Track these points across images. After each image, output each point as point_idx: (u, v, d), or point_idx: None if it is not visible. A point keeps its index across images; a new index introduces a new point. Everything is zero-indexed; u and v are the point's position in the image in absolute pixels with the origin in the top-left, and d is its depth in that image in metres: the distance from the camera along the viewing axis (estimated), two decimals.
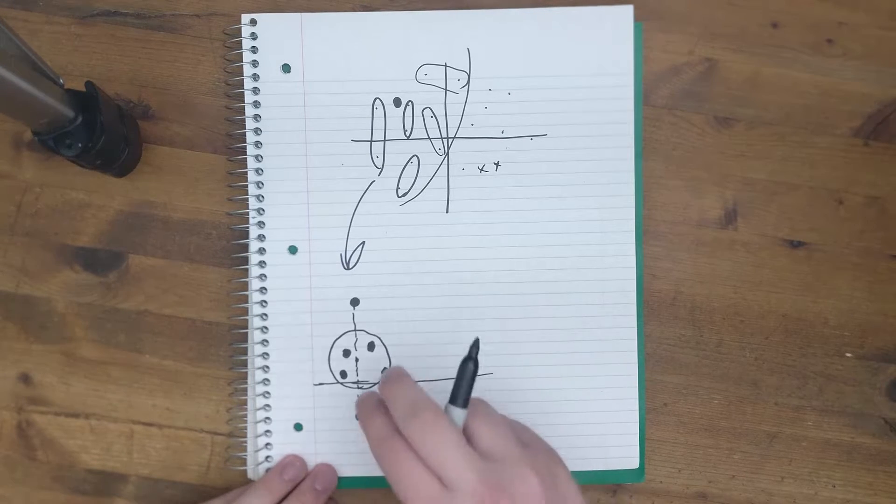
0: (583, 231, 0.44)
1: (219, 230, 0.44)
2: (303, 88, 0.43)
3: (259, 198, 0.43)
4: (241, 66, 0.43)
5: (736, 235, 0.45)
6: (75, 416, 0.44)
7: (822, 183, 0.45)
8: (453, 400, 0.35)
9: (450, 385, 0.44)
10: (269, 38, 0.43)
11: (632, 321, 0.44)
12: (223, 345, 0.44)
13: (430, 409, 0.34)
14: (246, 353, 0.44)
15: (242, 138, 0.43)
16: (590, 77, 0.44)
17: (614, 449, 0.44)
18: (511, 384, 0.44)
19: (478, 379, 0.44)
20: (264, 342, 0.43)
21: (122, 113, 0.42)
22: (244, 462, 0.44)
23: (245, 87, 0.43)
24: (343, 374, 0.44)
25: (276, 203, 0.43)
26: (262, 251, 0.43)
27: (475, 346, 0.36)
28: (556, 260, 0.44)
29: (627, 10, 0.44)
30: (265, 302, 0.43)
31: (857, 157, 0.45)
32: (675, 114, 0.45)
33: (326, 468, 0.43)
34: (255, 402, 0.44)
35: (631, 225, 0.44)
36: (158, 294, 0.44)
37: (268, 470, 0.43)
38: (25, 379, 0.44)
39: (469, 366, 0.35)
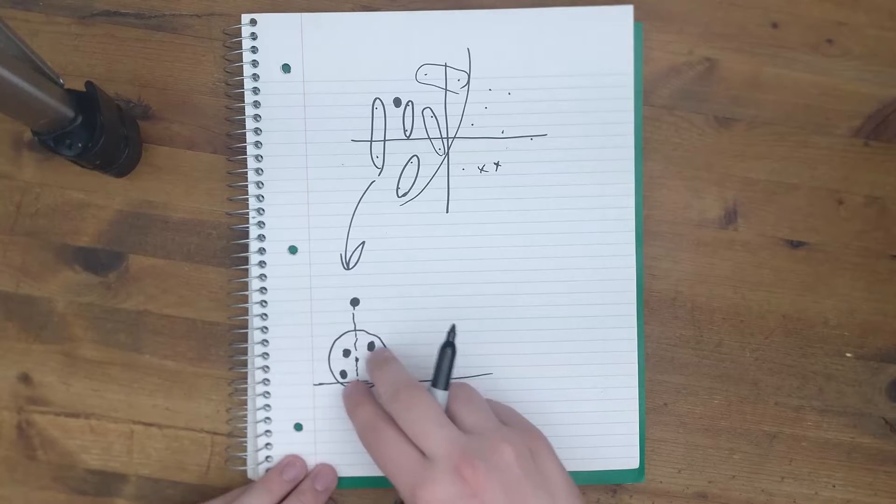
0: (583, 231, 0.44)
1: (219, 230, 0.44)
2: (303, 88, 0.44)
3: (259, 198, 0.43)
4: (241, 66, 0.43)
5: (736, 235, 0.45)
6: (75, 416, 0.44)
7: (822, 183, 0.45)
8: (434, 383, 0.38)
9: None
10: (269, 38, 0.43)
11: (632, 321, 0.44)
12: (223, 345, 0.44)
13: (412, 387, 0.37)
14: (246, 353, 0.44)
15: (242, 138, 0.43)
16: (590, 77, 0.44)
17: (614, 449, 0.44)
18: (511, 384, 0.44)
19: (478, 379, 0.44)
20: (264, 342, 0.43)
21: (122, 113, 0.42)
22: (244, 462, 0.44)
23: (245, 87, 0.43)
24: (343, 374, 0.44)
25: (276, 203, 0.43)
26: (262, 251, 0.43)
27: (452, 331, 0.38)
28: (556, 260, 0.44)
29: (627, 10, 0.44)
30: (265, 302, 0.43)
31: (857, 157, 0.45)
32: (675, 114, 0.45)
33: (326, 468, 0.43)
34: (255, 402, 0.44)
35: (631, 225, 0.44)
36: (158, 294, 0.44)
37: (268, 470, 0.43)
38: (25, 379, 0.44)
39: (447, 351, 0.38)
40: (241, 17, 0.43)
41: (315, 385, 0.44)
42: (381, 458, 0.36)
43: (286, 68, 0.43)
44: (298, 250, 0.44)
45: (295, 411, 0.44)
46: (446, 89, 0.44)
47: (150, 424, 0.44)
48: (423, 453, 0.35)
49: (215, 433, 0.44)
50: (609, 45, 0.44)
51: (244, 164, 0.44)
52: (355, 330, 0.44)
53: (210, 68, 0.44)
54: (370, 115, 0.44)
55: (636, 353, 0.44)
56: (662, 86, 0.45)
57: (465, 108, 0.44)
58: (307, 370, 0.44)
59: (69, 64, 0.44)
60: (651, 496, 0.45)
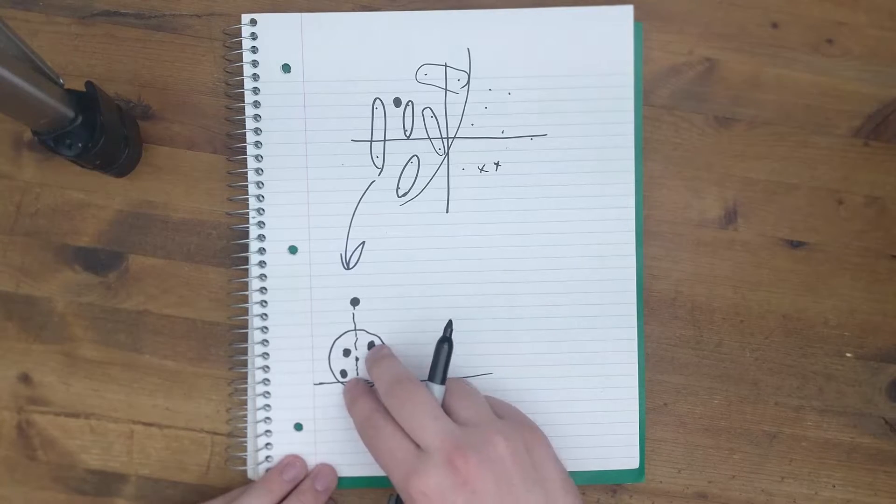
0: (583, 231, 0.44)
1: (219, 230, 0.44)
2: (303, 88, 0.44)
3: (259, 198, 0.43)
4: (241, 66, 0.43)
5: (736, 235, 0.45)
6: (75, 416, 0.44)
7: (822, 183, 0.45)
8: (431, 378, 0.38)
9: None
10: (269, 38, 0.43)
11: (632, 321, 0.44)
12: (223, 345, 0.44)
13: (407, 381, 0.37)
14: (246, 353, 0.44)
15: (242, 138, 0.43)
16: (590, 77, 0.44)
17: (614, 449, 0.44)
18: (511, 384, 0.44)
19: (478, 379, 0.44)
20: (264, 342, 0.43)
21: (122, 113, 0.42)
22: (244, 462, 0.44)
23: (245, 87, 0.43)
24: (343, 373, 0.44)
25: (276, 203, 0.43)
26: (262, 251, 0.43)
27: (449, 326, 0.39)
28: (556, 260, 0.44)
29: (627, 10, 0.44)
30: (265, 302, 0.43)
31: (857, 157, 0.45)
32: (675, 114, 0.45)
33: (326, 468, 0.43)
34: (255, 402, 0.44)
35: (631, 225, 0.44)
36: (158, 294, 0.44)
37: (268, 470, 0.43)
38: (25, 379, 0.44)
39: (444, 346, 0.39)
40: (241, 17, 0.43)
41: (315, 385, 0.44)
42: (378, 451, 0.36)
43: (286, 68, 0.43)
44: (298, 250, 0.44)
45: (295, 411, 0.44)
46: (446, 89, 0.44)
47: (150, 424, 0.44)
48: (418, 446, 0.35)
49: (215, 433, 0.44)
50: (609, 45, 0.44)
51: (244, 164, 0.44)
52: (355, 330, 0.44)
53: (210, 68, 0.44)
54: (370, 115, 0.44)
55: (636, 353, 0.44)
56: (662, 86, 0.45)
57: (465, 108, 0.44)
58: (307, 370, 0.44)
59: (69, 64, 0.44)
60: (651, 496, 0.45)
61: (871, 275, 0.45)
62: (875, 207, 0.45)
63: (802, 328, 0.45)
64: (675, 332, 0.45)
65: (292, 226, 0.44)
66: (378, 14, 0.44)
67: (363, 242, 0.44)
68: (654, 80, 0.45)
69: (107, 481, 0.44)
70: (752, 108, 0.45)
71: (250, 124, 0.43)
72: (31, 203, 0.44)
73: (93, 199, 0.44)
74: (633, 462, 0.44)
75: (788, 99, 0.45)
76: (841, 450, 0.45)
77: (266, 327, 0.43)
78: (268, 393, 0.43)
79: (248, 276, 0.44)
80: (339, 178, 0.44)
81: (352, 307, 0.44)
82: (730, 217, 0.45)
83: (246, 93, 0.43)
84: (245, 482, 0.44)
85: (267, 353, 0.43)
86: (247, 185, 0.43)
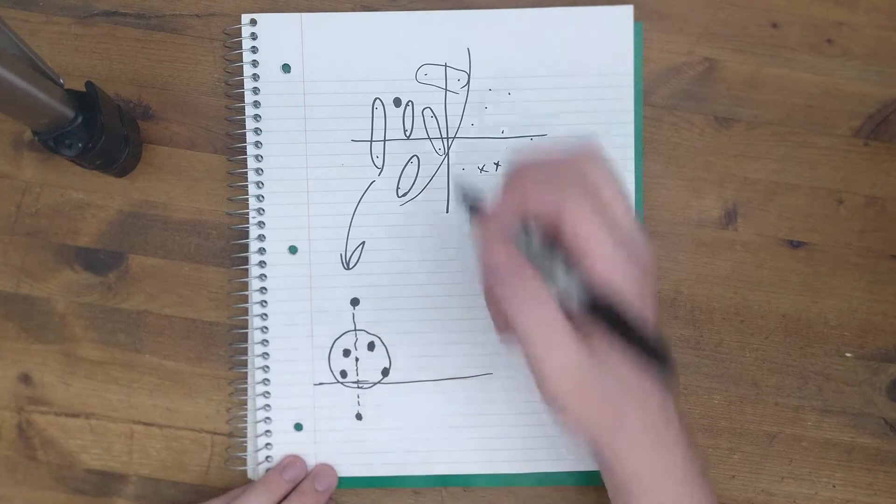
0: None
1: (219, 230, 0.44)
2: (303, 88, 0.44)
3: (259, 198, 0.43)
4: (241, 66, 0.43)
5: (736, 235, 0.45)
6: (75, 416, 0.44)
7: (823, 183, 0.45)
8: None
9: (450, 385, 0.44)
10: (269, 38, 0.43)
11: None
12: (223, 345, 0.44)
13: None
14: (246, 353, 0.44)
15: (242, 138, 0.43)
16: (590, 77, 0.44)
17: None
18: (511, 384, 0.44)
19: (477, 379, 0.44)
20: (264, 342, 0.43)
21: (122, 113, 0.42)
22: (244, 462, 0.44)
23: (245, 87, 0.43)
24: (343, 373, 0.44)
25: (276, 203, 0.43)
26: (262, 251, 0.43)
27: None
28: None
29: (627, 10, 0.44)
30: (265, 302, 0.43)
31: (857, 157, 0.45)
32: (675, 114, 0.45)
33: (326, 468, 0.43)
34: (255, 402, 0.44)
35: None
36: (158, 294, 0.44)
37: (268, 470, 0.43)
38: (25, 379, 0.44)
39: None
40: (241, 17, 0.43)
41: (315, 385, 0.44)
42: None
43: (286, 68, 0.43)
44: (298, 250, 0.44)
45: (295, 411, 0.44)
46: (446, 89, 0.44)
47: (150, 424, 0.44)
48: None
49: (215, 433, 0.44)
50: (609, 45, 0.44)
51: (244, 164, 0.44)
52: (355, 330, 0.44)
53: (210, 68, 0.44)
54: (370, 115, 0.44)
55: None
56: (662, 86, 0.45)
57: (465, 108, 0.44)
58: (307, 370, 0.44)
59: (69, 64, 0.44)
60: None
61: (872, 275, 0.45)
62: (875, 207, 0.45)
63: (802, 328, 0.45)
64: (675, 332, 0.45)
65: (292, 226, 0.44)
66: (378, 14, 0.44)
67: (363, 242, 0.44)
68: (654, 80, 0.45)
69: (107, 481, 0.44)
70: (752, 108, 0.45)
71: (250, 124, 0.43)
72: (31, 203, 0.44)
73: (93, 199, 0.44)
74: None
75: (788, 99, 0.45)
76: (841, 450, 0.45)
77: (266, 327, 0.43)
78: (268, 393, 0.43)
79: (248, 276, 0.44)
80: (339, 178, 0.44)
81: (352, 307, 0.44)
82: (730, 217, 0.45)
83: (246, 93, 0.43)
84: (245, 482, 0.44)
85: (267, 353, 0.43)
86: (247, 185, 0.44)
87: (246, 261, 0.44)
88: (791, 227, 0.45)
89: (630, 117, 0.44)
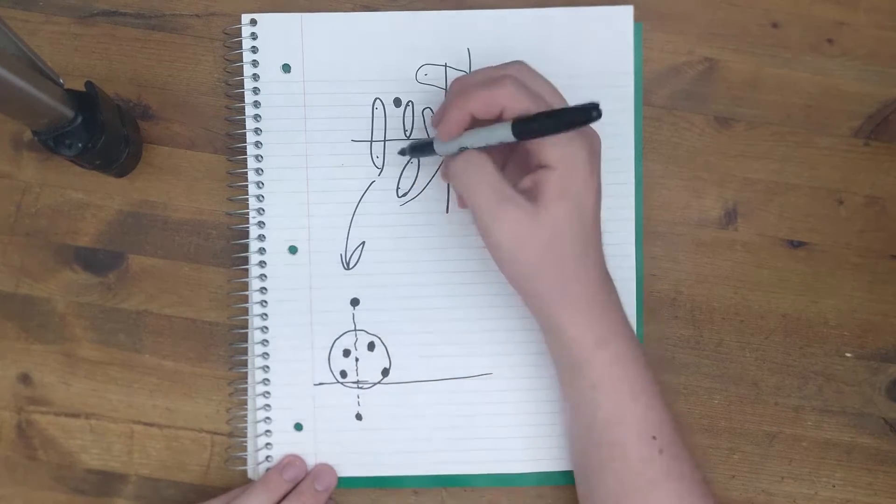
0: None
1: (219, 230, 0.44)
2: (303, 88, 0.43)
3: (259, 198, 0.43)
4: (241, 66, 0.43)
5: (736, 235, 0.45)
6: (75, 416, 0.44)
7: (823, 183, 0.45)
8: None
9: (450, 385, 0.44)
10: (269, 38, 0.43)
11: (632, 321, 0.44)
12: (223, 345, 0.44)
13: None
14: (246, 353, 0.44)
15: (242, 138, 0.43)
16: (590, 77, 0.44)
17: None
18: (511, 384, 0.44)
19: (477, 379, 0.44)
20: (264, 342, 0.43)
21: (121, 113, 0.42)
22: (244, 462, 0.44)
23: (245, 87, 0.43)
24: (343, 373, 0.44)
25: (276, 203, 0.43)
26: (262, 251, 0.43)
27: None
28: None
29: (627, 11, 0.44)
30: (265, 302, 0.43)
31: (857, 157, 0.45)
32: (675, 114, 0.45)
33: (326, 468, 0.43)
34: (255, 402, 0.44)
35: (631, 225, 0.44)
36: (158, 294, 0.44)
37: (268, 470, 0.43)
38: (25, 379, 0.44)
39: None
40: (241, 16, 0.43)
41: (315, 385, 0.44)
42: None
43: (286, 68, 0.43)
44: (298, 250, 0.44)
45: (295, 411, 0.44)
46: (446, 89, 0.44)
47: (150, 424, 0.44)
48: None
49: (215, 433, 0.44)
50: (609, 45, 0.44)
51: (244, 164, 0.44)
52: (355, 330, 0.44)
53: (210, 68, 0.44)
54: (370, 115, 0.44)
55: None
56: (662, 86, 0.45)
57: None
58: (307, 370, 0.44)
59: (69, 64, 0.44)
60: None
61: (871, 275, 0.45)
62: (875, 207, 0.45)
63: (802, 328, 0.45)
64: (675, 332, 0.45)
65: (292, 226, 0.44)
66: (378, 14, 0.44)
67: (363, 242, 0.44)
68: (655, 81, 0.45)
69: (107, 481, 0.44)
70: (753, 108, 0.45)
71: (250, 124, 0.43)
72: (31, 203, 0.44)
73: (93, 199, 0.44)
74: None
75: (788, 99, 0.45)
76: (841, 450, 0.45)
77: (266, 327, 0.43)
78: (268, 393, 0.43)
79: (248, 276, 0.44)
80: (339, 178, 0.44)
81: (352, 307, 0.44)
82: (730, 217, 0.45)
83: (246, 93, 0.43)
84: (245, 482, 0.44)
85: (267, 353, 0.43)
86: (247, 185, 0.43)
87: (246, 261, 0.44)
88: (791, 227, 0.45)
89: (630, 117, 0.44)
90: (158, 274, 0.44)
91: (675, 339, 0.45)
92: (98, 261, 0.44)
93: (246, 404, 0.44)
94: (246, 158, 0.43)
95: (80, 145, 0.38)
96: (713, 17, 0.45)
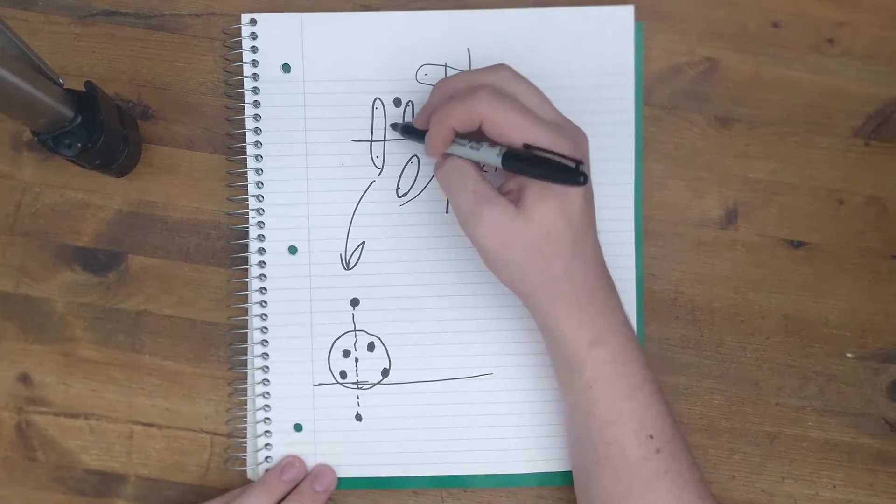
0: None
1: (219, 230, 0.44)
2: (303, 88, 0.43)
3: (259, 198, 0.43)
4: (241, 65, 0.43)
5: (736, 235, 0.45)
6: (75, 416, 0.44)
7: (823, 183, 0.45)
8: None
9: (450, 385, 0.44)
10: (269, 37, 0.43)
11: (632, 321, 0.44)
12: (223, 345, 0.44)
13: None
14: (246, 354, 0.44)
15: (242, 138, 0.43)
16: (590, 77, 0.44)
17: None
18: (511, 384, 0.44)
19: (477, 379, 0.44)
20: (264, 342, 0.43)
21: (121, 113, 0.42)
22: (244, 462, 0.44)
23: (245, 87, 0.43)
24: (343, 374, 0.44)
25: (276, 203, 0.43)
26: (262, 251, 0.43)
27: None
28: None
29: (628, 10, 0.44)
30: (265, 302, 0.43)
31: (857, 157, 0.45)
32: (675, 114, 0.45)
33: (326, 469, 0.43)
34: (255, 402, 0.44)
35: (631, 225, 0.44)
36: (158, 294, 0.44)
37: (267, 470, 0.43)
38: (25, 379, 0.44)
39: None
40: (240, 16, 0.43)
41: (315, 385, 0.44)
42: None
43: (286, 68, 0.43)
44: (298, 250, 0.44)
45: (295, 411, 0.44)
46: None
47: (150, 425, 0.44)
48: None
49: (215, 433, 0.44)
50: (609, 44, 0.44)
51: (244, 164, 0.44)
52: (355, 330, 0.44)
53: (210, 68, 0.44)
54: (370, 115, 0.44)
55: None
56: (663, 86, 0.45)
57: None
58: (307, 370, 0.44)
59: (69, 64, 0.44)
60: None
61: (872, 275, 0.45)
62: (876, 207, 0.45)
63: (803, 328, 0.45)
64: (676, 332, 0.45)
65: (292, 226, 0.43)
66: (378, 14, 0.44)
67: (363, 242, 0.44)
68: (655, 80, 0.45)
69: (106, 482, 0.44)
70: (753, 108, 0.45)
71: (250, 124, 0.43)
72: (30, 203, 0.44)
73: (92, 199, 0.44)
74: None
75: (789, 99, 0.45)
76: (841, 450, 0.45)
77: (266, 327, 0.43)
78: (267, 393, 0.43)
79: (247, 276, 0.44)
80: (339, 178, 0.44)
81: (352, 307, 0.44)
82: (730, 217, 0.45)
83: (246, 93, 0.43)
84: (245, 482, 0.44)
85: (267, 354, 0.43)
86: (247, 185, 0.43)
87: (246, 261, 0.44)
88: (791, 227, 0.45)
89: (630, 117, 0.44)
90: (158, 274, 0.44)
91: (676, 339, 0.45)
92: (98, 261, 0.44)
93: (245, 405, 0.44)
94: (245, 158, 0.43)
95: (79, 145, 0.38)
96: (714, 17, 0.45)
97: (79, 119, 0.38)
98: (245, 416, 0.44)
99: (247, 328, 0.44)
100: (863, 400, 0.45)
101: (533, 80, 0.43)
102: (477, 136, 0.37)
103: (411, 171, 0.44)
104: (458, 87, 0.37)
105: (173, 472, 0.44)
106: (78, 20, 0.44)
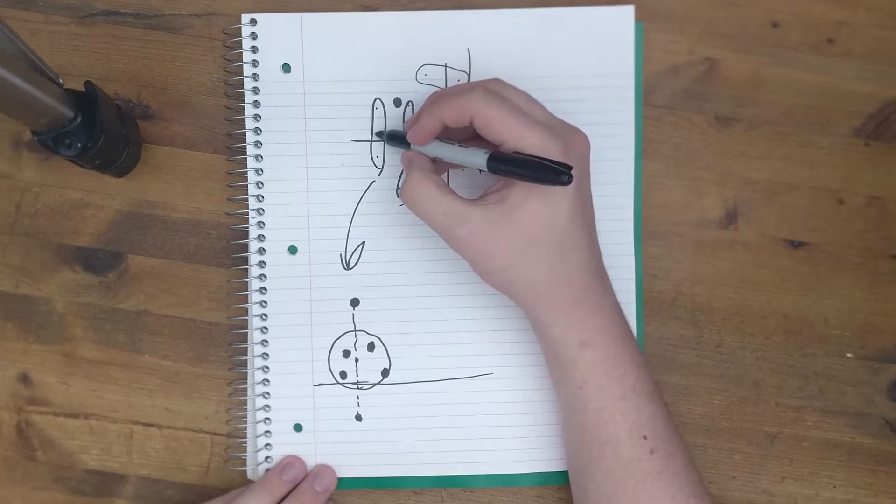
0: None
1: (219, 230, 0.44)
2: (303, 88, 0.43)
3: (259, 198, 0.43)
4: (241, 65, 0.43)
5: (736, 235, 0.45)
6: (75, 416, 0.44)
7: (823, 183, 0.45)
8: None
9: (450, 385, 0.44)
10: (269, 37, 0.43)
11: (632, 321, 0.44)
12: (223, 345, 0.44)
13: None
14: (246, 354, 0.44)
15: (242, 138, 0.43)
16: (590, 77, 0.44)
17: None
18: (511, 384, 0.44)
19: (477, 379, 0.44)
20: (264, 342, 0.43)
21: (121, 113, 0.42)
22: (244, 462, 0.44)
23: (245, 87, 0.43)
24: (343, 374, 0.44)
25: (276, 203, 0.43)
26: (261, 251, 0.43)
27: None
28: None
29: (628, 10, 0.44)
30: (265, 302, 0.43)
31: (857, 157, 0.45)
32: (675, 114, 0.45)
33: (326, 469, 0.43)
34: (254, 402, 0.44)
35: (631, 225, 0.44)
36: (158, 294, 0.44)
37: (267, 470, 0.43)
38: (25, 379, 0.44)
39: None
40: (240, 16, 0.43)
41: (315, 385, 0.44)
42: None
43: (286, 68, 0.43)
44: (298, 250, 0.44)
45: (295, 412, 0.44)
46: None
47: (150, 425, 0.44)
48: None
49: (215, 433, 0.44)
50: (609, 45, 0.44)
51: (244, 164, 0.44)
52: (355, 330, 0.44)
53: (210, 68, 0.44)
54: (370, 115, 0.44)
55: None
56: (663, 86, 0.45)
57: None
58: (307, 370, 0.44)
59: (69, 64, 0.44)
60: None
61: (872, 275, 0.45)
62: (876, 207, 0.45)
63: (803, 328, 0.45)
64: (676, 332, 0.45)
65: (292, 226, 0.43)
66: (378, 14, 0.44)
67: (363, 242, 0.44)
68: (655, 80, 0.45)
69: (106, 482, 0.44)
70: (753, 108, 0.45)
71: (250, 124, 0.43)
72: (30, 203, 0.44)
73: (92, 199, 0.44)
74: None
75: (789, 99, 0.45)
76: (842, 450, 0.45)
77: (266, 327, 0.43)
78: (267, 393, 0.43)
79: (247, 277, 0.44)
80: (339, 178, 0.44)
81: (352, 307, 0.44)
82: (730, 217, 0.45)
83: (246, 93, 0.43)
84: (244, 482, 0.44)
85: (267, 354, 0.43)
86: (247, 185, 0.43)
87: (246, 261, 0.44)
88: (792, 227, 0.45)
89: (630, 117, 0.44)
90: (158, 274, 0.44)
91: (676, 339, 0.45)
92: (98, 261, 0.44)
93: (245, 405, 0.44)
94: (246, 158, 0.43)
95: (79, 145, 0.38)
96: (714, 17, 0.45)
97: (79, 119, 0.38)
98: (245, 416, 0.44)
99: (247, 328, 0.44)
100: (863, 400, 0.45)
101: (533, 80, 0.43)
102: (463, 140, 0.37)
103: None
104: (450, 91, 0.38)
105: (173, 472, 0.44)
106: (78, 20, 0.44)
